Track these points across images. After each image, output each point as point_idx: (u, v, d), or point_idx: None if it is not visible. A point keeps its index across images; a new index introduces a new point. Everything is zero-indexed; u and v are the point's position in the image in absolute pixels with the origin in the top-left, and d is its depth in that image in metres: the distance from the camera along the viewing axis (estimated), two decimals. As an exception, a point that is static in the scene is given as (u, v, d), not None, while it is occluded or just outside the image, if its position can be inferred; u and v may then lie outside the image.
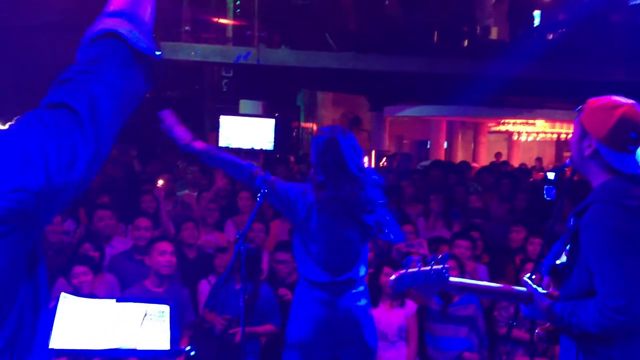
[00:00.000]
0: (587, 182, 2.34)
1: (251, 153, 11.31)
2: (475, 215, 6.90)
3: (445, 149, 19.56)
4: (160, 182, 6.63)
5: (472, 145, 20.62)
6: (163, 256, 4.52)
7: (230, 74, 14.93)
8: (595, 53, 12.41)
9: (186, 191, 7.93)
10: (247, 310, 4.53)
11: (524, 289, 2.37)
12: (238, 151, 11.47)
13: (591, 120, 2.24)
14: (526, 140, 20.76)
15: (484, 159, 18.63)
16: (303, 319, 3.44)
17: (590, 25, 12.59)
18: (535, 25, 15.08)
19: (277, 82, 14.35)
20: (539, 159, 19.33)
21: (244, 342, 3.52)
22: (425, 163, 12.86)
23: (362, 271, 3.52)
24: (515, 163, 17.05)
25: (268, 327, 4.66)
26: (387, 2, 15.22)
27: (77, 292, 4.10)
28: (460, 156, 18.96)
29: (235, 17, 14.86)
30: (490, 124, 19.29)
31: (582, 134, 2.27)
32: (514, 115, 17.32)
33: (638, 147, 2.22)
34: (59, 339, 3.17)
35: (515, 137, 20.57)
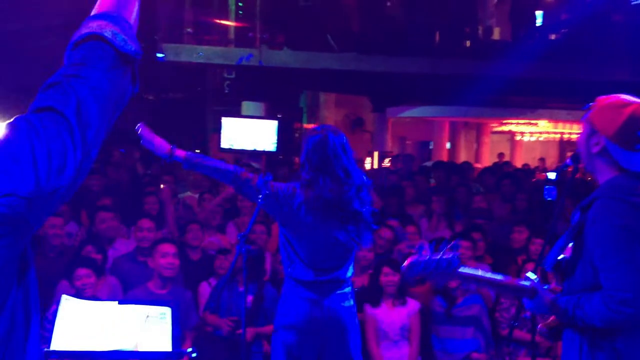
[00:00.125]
0: (587, 182, 2.35)
1: (254, 154, 11.33)
2: (478, 216, 6.90)
3: (448, 149, 19.53)
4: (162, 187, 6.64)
5: (475, 146, 20.58)
6: (165, 258, 4.52)
7: (233, 76, 14.95)
8: (597, 53, 12.39)
9: (188, 193, 7.95)
10: (252, 311, 4.54)
11: (527, 283, 2.39)
12: (241, 153, 11.50)
13: (600, 118, 2.27)
14: (529, 141, 20.74)
15: (487, 159, 18.60)
16: (289, 317, 3.44)
17: (593, 25, 12.57)
18: (537, 26, 15.05)
19: (279, 84, 14.36)
20: (541, 159, 19.30)
21: (247, 343, 3.53)
22: (428, 164, 12.85)
23: (349, 272, 3.52)
24: (518, 163, 17.02)
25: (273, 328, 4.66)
26: (388, 3, 15.22)
27: (79, 294, 4.10)
28: (463, 157, 18.92)
29: (237, 19, 14.88)
30: (492, 125, 19.26)
31: (591, 131, 2.30)
32: (517, 115, 17.28)
33: None
34: (60, 341, 3.18)
35: (518, 138, 20.54)
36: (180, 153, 3.43)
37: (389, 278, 4.71)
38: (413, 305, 4.76)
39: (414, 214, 6.77)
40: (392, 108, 16.65)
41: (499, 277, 2.46)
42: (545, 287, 2.37)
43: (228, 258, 4.98)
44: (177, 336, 3.37)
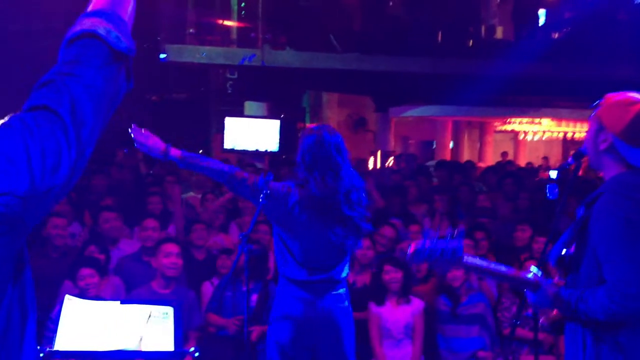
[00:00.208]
0: (590, 180, 2.36)
1: (257, 154, 11.35)
2: (482, 215, 6.90)
3: (452, 149, 19.52)
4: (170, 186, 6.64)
5: (478, 145, 20.55)
6: (168, 258, 4.52)
7: (235, 76, 14.95)
8: (600, 51, 12.38)
9: (191, 193, 7.96)
10: (257, 310, 4.54)
11: (531, 276, 2.40)
12: (244, 153, 11.52)
13: (608, 115, 2.30)
14: (532, 140, 20.69)
15: (491, 158, 18.57)
16: (283, 317, 3.42)
17: (596, 23, 12.56)
18: (540, 24, 15.04)
19: (281, 84, 14.38)
20: (545, 158, 19.27)
21: (251, 342, 3.53)
22: (431, 163, 12.85)
23: (345, 273, 3.49)
24: (522, 162, 17.00)
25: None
26: (391, 3, 15.22)
27: (83, 294, 4.10)
28: (466, 156, 18.90)
29: (239, 19, 14.90)
30: (496, 124, 19.22)
31: (599, 128, 2.32)
32: (520, 114, 17.26)
33: None
34: (63, 341, 3.19)
35: (521, 137, 20.50)
36: (175, 152, 3.39)
37: (391, 275, 4.71)
38: (417, 304, 4.75)
39: (416, 213, 6.77)
40: (395, 108, 16.64)
41: (503, 268, 2.47)
42: (549, 281, 2.38)
43: (231, 258, 4.99)
44: (180, 336, 3.37)
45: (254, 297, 4.64)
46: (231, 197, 6.64)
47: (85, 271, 4.37)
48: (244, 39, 14.41)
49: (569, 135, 19.15)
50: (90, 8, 1.27)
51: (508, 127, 19.23)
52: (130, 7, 1.30)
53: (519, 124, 18.68)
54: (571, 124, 17.56)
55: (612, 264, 2.15)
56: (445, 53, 13.66)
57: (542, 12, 15.00)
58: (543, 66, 12.51)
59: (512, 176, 8.31)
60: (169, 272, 4.51)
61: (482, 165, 14.66)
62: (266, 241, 5.58)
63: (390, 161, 13.70)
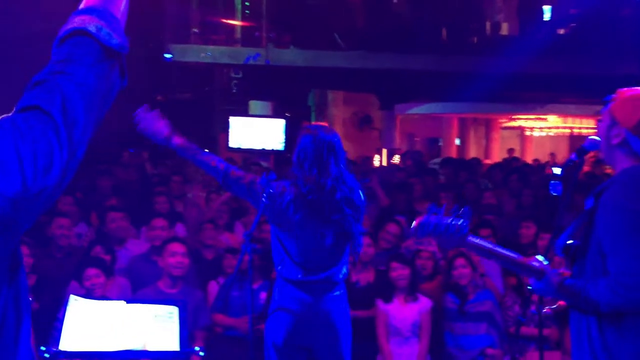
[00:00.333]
0: (597, 175, 2.36)
1: (262, 154, 11.35)
2: (487, 212, 6.88)
3: (458, 145, 19.49)
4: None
5: (485, 142, 20.52)
6: (174, 257, 4.53)
7: (240, 75, 14.96)
8: (606, 47, 12.32)
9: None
10: (266, 308, 4.55)
11: (537, 264, 2.40)
12: (249, 152, 11.52)
13: (621, 110, 2.30)
14: (539, 136, 20.65)
15: (497, 155, 18.54)
16: (279, 317, 3.39)
17: (601, 19, 12.51)
18: (545, 20, 14.97)
19: (286, 83, 14.38)
20: (552, 154, 19.22)
21: (255, 340, 3.51)
22: (437, 160, 12.83)
23: (342, 272, 3.45)
24: (529, 159, 16.96)
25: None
26: (395, 0, 15.19)
27: (89, 294, 4.12)
28: (472, 153, 18.87)
29: (243, 19, 14.91)
30: (502, 120, 19.21)
31: (612, 123, 2.32)
32: (526, 111, 17.22)
33: None
34: (68, 342, 3.19)
35: (528, 133, 20.47)
36: (177, 141, 3.36)
37: (398, 272, 4.70)
38: (425, 302, 4.75)
39: (422, 211, 6.73)
40: (400, 105, 16.62)
41: (508, 252, 2.46)
42: (554, 271, 2.38)
43: (236, 257, 4.99)
44: (185, 335, 3.36)
45: (263, 295, 4.63)
46: (231, 195, 6.65)
47: (91, 271, 4.38)
48: (248, 38, 14.43)
49: (576, 131, 19.11)
50: (82, 5, 1.26)
51: (514, 124, 19.22)
52: (122, 4, 1.29)
53: (525, 121, 18.66)
54: (577, 120, 17.53)
55: (615, 255, 2.16)
56: (450, 50, 13.63)
57: (547, 8, 14.93)
58: (549, 62, 12.46)
59: (518, 172, 8.28)
60: (175, 271, 4.51)
61: (489, 162, 14.65)
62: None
63: (396, 159, 13.68)
